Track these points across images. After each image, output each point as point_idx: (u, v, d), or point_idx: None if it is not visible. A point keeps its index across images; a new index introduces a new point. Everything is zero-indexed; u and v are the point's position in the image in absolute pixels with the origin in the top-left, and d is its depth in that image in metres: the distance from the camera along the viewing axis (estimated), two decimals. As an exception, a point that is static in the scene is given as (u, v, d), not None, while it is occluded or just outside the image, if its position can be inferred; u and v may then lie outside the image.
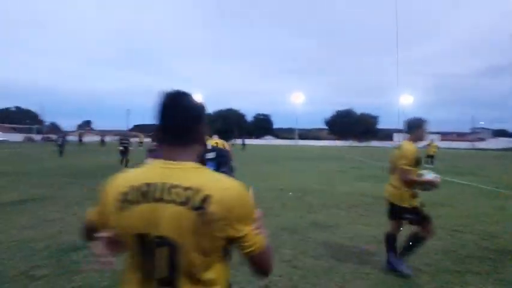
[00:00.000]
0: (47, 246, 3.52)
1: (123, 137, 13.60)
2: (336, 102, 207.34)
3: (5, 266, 2.96)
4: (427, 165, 14.55)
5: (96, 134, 70.81)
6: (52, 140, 45.39)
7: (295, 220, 4.86)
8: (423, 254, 3.43)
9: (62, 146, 18.41)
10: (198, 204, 0.74)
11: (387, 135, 70.61)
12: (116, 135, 43.59)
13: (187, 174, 0.80)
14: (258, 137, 71.88)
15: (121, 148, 12.86)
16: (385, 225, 4.58)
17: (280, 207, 5.72)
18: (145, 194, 0.78)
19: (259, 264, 0.84)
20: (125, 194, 0.79)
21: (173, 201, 0.76)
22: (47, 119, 73.89)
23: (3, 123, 57.61)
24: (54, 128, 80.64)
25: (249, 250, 0.80)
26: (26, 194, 6.45)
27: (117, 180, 0.85)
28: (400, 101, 57.26)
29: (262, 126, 78.62)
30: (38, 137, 51.80)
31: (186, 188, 0.76)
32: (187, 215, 0.74)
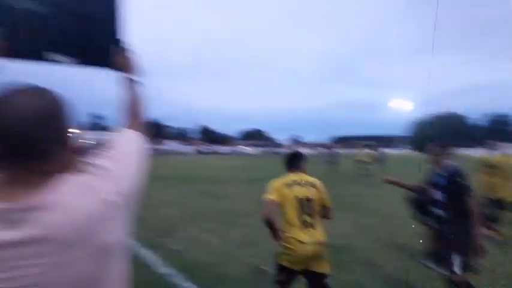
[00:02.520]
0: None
1: (332, 151, 16.53)
2: None
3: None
4: None
5: (308, 147, 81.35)
6: (278, 153, 56.70)
7: None
8: None
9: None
10: (314, 185, 2.24)
11: None
12: (321, 146, 47.90)
13: (306, 177, 2.31)
14: (484, 144, 54.57)
15: (329, 159, 15.70)
16: None
17: None
18: (296, 183, 2.23)
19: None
20: (288, 184, 2.22)
21: (306, 185, 2.22)
22: (271, 135, 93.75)
23: (246, 140, 79.86)
24: (275, 142, 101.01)
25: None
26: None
27: (278, 182, 2.26)
28: None
29: (496, 130, 59.17)
30: (269, 150, 67.21)
31: (309, 181, 2.26)
32: (314, 190, 2.22)
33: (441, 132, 61.97)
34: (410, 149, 61.24)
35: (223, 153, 57.32)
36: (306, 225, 2.08)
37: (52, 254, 0.59)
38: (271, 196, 2.17)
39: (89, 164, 0.72)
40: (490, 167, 4.72)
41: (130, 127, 0.93)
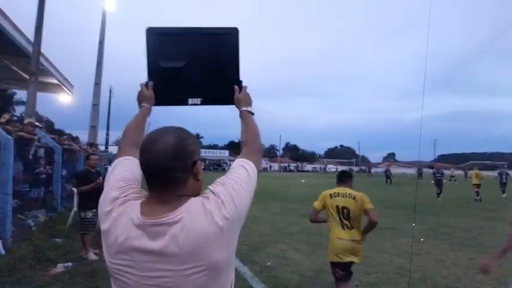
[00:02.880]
0: (423, 279, 3.95)
1: (437, 170, 14.61)
2: None
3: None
4: None
5: (401, 166, 72.57)
6: (368, 171, 52.74)
7: None
8: None
9: (389, 177, 24.22)
10: (353, 197, 2.83)
11: None
12: (421, 166, 41.89)
13: (349, 190, 2.92)
14: None
15: (434, 181, 13.78)
16: None
17: None
18: (338, 194, 2.92)
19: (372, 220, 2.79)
20: (332, 194, 2.94)
21: (346, 196, 2.85)
22: (361, 153, 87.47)
23: (332, 158, 76.70)
24: (364, 160, 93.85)
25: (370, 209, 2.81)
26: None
27: (326, 192, 3.00)
28: None
29: None
30: (355, 169, 62.90)
31: (349, 193, 2.87)
32: (353, 200, 2.81)
33: None
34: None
35: (309, 171, 56.53)
36: (343, 226, 2.81)
37: (175, 264, 0.74)
38: (315, 204, 3.03)
39: (208, 189, 0.85)
40: None
41: (245, 154, 1.02)
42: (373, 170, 51.79)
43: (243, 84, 1.26)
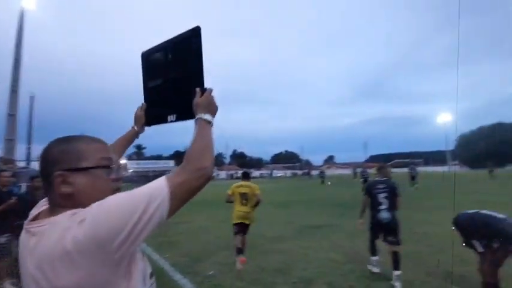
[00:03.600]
0: (352, 270, 4.37)
1: (363, 170, 18.36)
2: None
3: (333, 284, 4.01)
4: None
5: (339, 167, 78.69)
6: (308, 174, 55.75)
7: None
8: None
9: (323, 177, 28.42)
10: (249, 186, 4.90)
11: None
12: (356, 167, 46.26)
13: (248, 183, 4.99)
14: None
15: (362, 179, 16.74)
16: None
17: None
18: (242, 186, 4.94)
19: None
20: (238, 186, 4.98)
21: (246, 186, 4.92)
22: (304, 157, 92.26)
23: (278, 163, 79.31)
24: (307, 164, 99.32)
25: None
26: (316, 220, 8.38)
27: (234, 185, 4.99)
28: None
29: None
30: (299, 172, 66.18)
31: (248, 185, 4.95)
32: (250, 189, 4.86)
33: (490, 145, 56.75)
34: (456, 165, 56.57)
35: (256, 177, 57.37)
36: (243, 204, 4.73)
37: (29, 277, 0.68)
38: (229, 192, 4.89)
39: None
40: None
41: (174, 171, 0.81)
42: (313, 172, 54.94)
43: (208, 87, 1.09)
